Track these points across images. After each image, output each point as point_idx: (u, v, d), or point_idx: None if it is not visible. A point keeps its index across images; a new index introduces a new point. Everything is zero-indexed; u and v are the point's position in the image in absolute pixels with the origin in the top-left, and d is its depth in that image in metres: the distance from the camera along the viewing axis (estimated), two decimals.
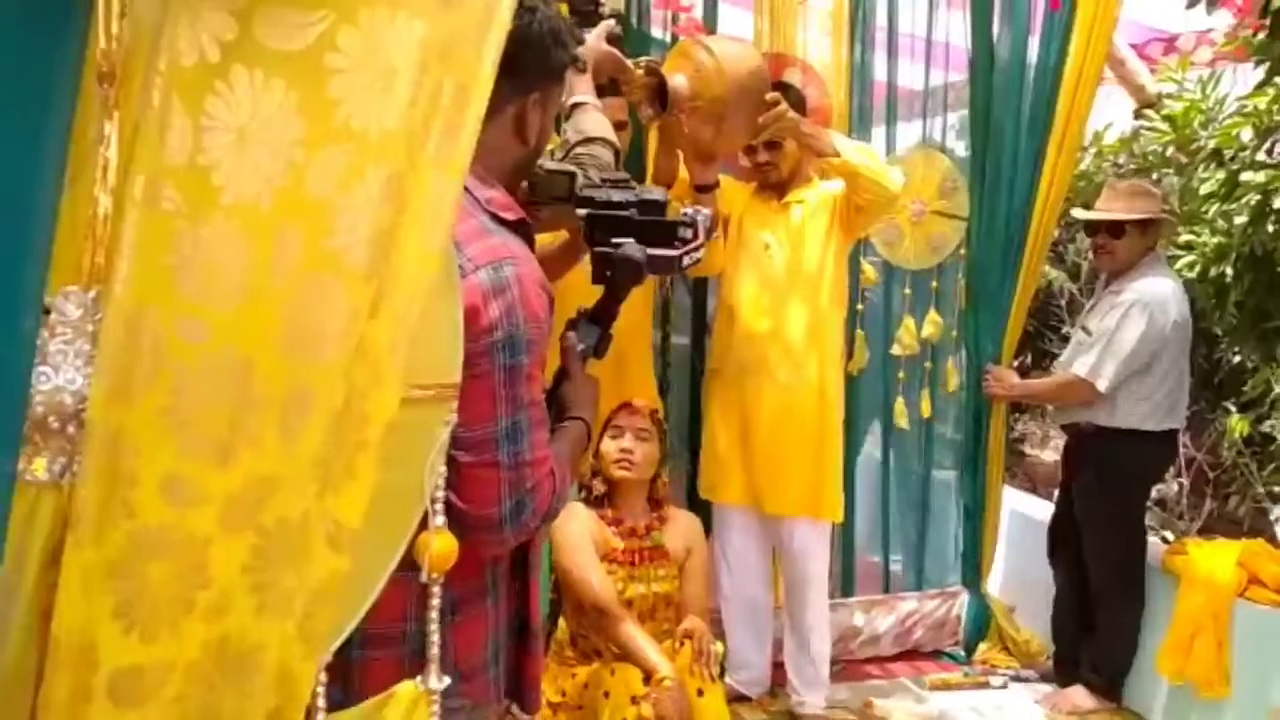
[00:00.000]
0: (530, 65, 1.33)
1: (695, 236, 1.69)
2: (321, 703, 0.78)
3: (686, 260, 1.66)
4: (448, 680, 0.87)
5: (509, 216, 1.30)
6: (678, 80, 2.48)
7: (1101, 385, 3.10)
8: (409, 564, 1.25)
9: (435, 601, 0.86)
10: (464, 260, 1.20)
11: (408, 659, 1.27)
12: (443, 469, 0.82)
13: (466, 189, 1.28)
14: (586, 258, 1.64)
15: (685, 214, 1.73)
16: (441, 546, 0.83)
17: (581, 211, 1.57)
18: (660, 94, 2.48)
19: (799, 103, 2.90)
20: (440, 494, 0.82)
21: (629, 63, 2.49)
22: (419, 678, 0.86)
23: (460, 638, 1.32)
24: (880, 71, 3.47)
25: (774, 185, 3.00)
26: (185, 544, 0.68)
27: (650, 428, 2.63)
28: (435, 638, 0.87)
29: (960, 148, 3.67)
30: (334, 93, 0.69)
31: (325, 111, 0.69)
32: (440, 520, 0.83)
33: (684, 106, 2.48)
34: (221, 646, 0.68)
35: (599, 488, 2.67)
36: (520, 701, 1.47)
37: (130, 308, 0.66)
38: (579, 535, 2.57)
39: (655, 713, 2.33)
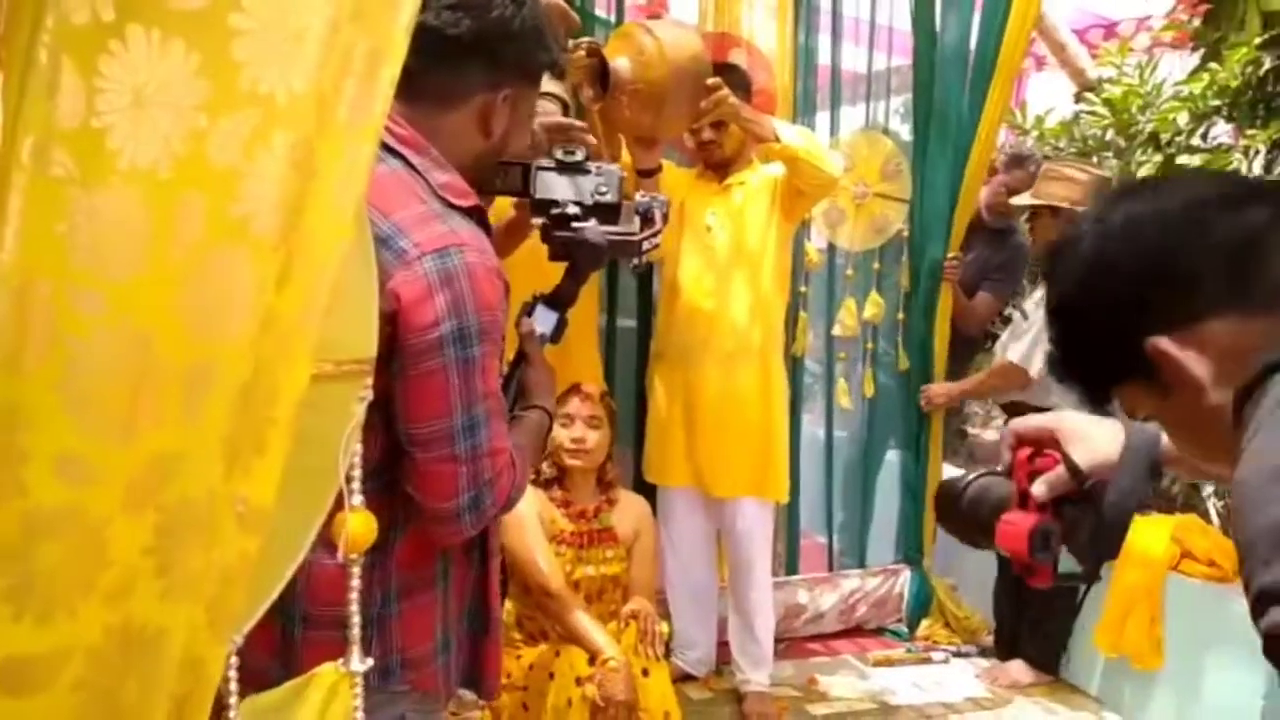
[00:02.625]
0: (508, 59, 1.29)
1: (653, 222, 1.68)
2: (234, 687, 0.76)
3: (646, 245, 1.64)
4: (370, 662, 0.85)
5: (463, 203, 1.26)
6: (619, 63, 2.45)
7: (1033, 371, 3.15)
8: None
9: (355, 583, 0.84)
10: (410, 246, 1.16)
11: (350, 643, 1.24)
12: (358, 447, 0.79)
13: (419, 171, 1.24)
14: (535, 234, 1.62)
15: (640, 203, 1.72)
16: (357, 526, 0.81)
17: (537, 220, 1.54)
18: (601, 76, 2.45)
19: (744, 83, 2.90)
20: (356, 472, 0.80)
21: (571, 42, 2.46)
22: (340, 660, 0.84)
23: (407, 624, 1.29)
24: (824, 55, 3.48)
25: (716, 165, 2.99)
26: (83, 524, 0.65)
27: (601, 414, 2.63)
28: (357, 619, 0.85)
29: (905, 131, 3.70)
30: (238, 55, 0.66)
31: (229, 74, 0.66)
32: (357, 499, 0.81)
33: (625, 89, 2.46)
34: (124, 631, 0.66)
35: (548, 471, 2.66)
36: (478, 689, 1.45)
37: (19, 278, 0.63)
38: (527, 516, 2.55)
39: (601, 693, 2.33)
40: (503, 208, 2.24)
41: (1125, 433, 1.09)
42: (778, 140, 2.74)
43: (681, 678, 3.10)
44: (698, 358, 2.95)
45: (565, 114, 2.14)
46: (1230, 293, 0.85)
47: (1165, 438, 1.05)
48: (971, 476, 1.30)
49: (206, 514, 0.69)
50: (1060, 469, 1.14)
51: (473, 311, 1.18)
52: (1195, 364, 0.85)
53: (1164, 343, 0.85)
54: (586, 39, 2.50)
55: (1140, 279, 0.88)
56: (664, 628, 2.68)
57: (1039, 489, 1.13)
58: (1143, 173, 3.62)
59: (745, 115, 2.72)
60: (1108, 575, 3.16)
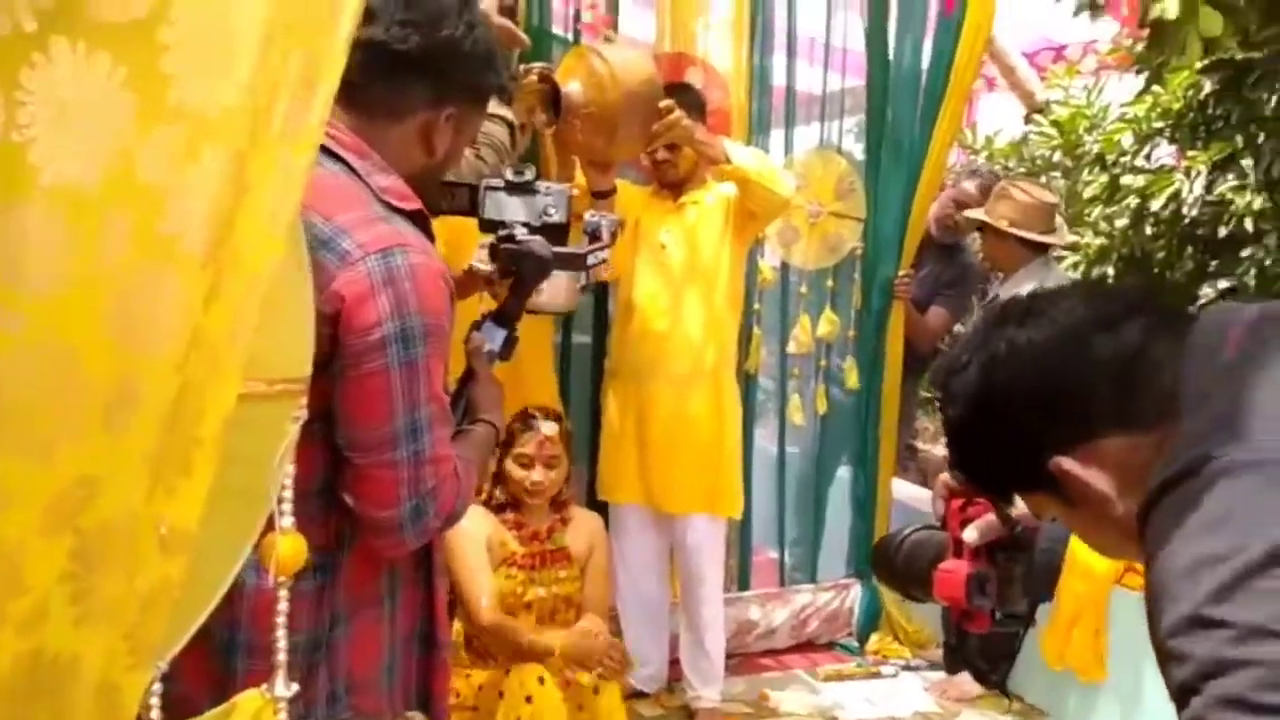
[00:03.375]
0: (455, 79, 1.29)
1: (600, 239, 1.69)
2: (156, 715, 0.74)
3: (592, 259, 1.64)
4: (295, 688, 0.83)
5: (406, 206, 1.25)
6: (571, 87, 2.45)
7: None
8: (298, 571, 1.20)
9: (283, 605, 0.82)
10: (353, 246, 1.14)
11: (298, 668, 1.21)
12: (290, 468, 0.78)
13: (360, 175, 1.22)
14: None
15: (590, 222, 1.72)
16: (288, 548, 0.80)
17: (483, 240, 1.54)
18: (554, 101, 2.45)
19: (698, 103, 2.91)
20: (288, 493, 0.78)
21: (522, 66, 2.46)
22: (264, 685, 0.82)
23: (355, 647, 1.27)
24: (780, 75, 3.51)
25: (671, 184, 3.00)
26: None
27: (560, 452, 2.60)
28: (283, 643, 0.83)
29: (858, 151, 3.74)
30: (167, 68, 0.65)
31: (157, 88, 0.65)
32: (288, 521, 0.79)
33: (578, 114, 2.46)
34: (34, 659, 0.64)
35: (500, 496, 2.63)
36: (427, 711, 1.43)
37: None
38: (472, 541, 2.53)
39: (577, 661, 2.41)
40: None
41: None
42: (729, 162, 2.75)
43: (633, 694, 3.08)
44: (651, 375, 2.95)
45: (512, 137, 2.13)
46: (1119, 412, 0.88)
47: None
48: (907, 531, 1.32)
49: (127, 537, 0.67)
50: (990, 516, 1.17)
51: (416, 312, 1.16)
52: (1098, 479, 0.88)
53: (1066, 462, 0.88)
54: (538, 64, 2.49)
55: (1031, 405, 0.91)
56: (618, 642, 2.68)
57: (970, 535, 1.16)
58: (1089, 192, 3.69)
59: (698, 138, 2.73)
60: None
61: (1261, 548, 0.71)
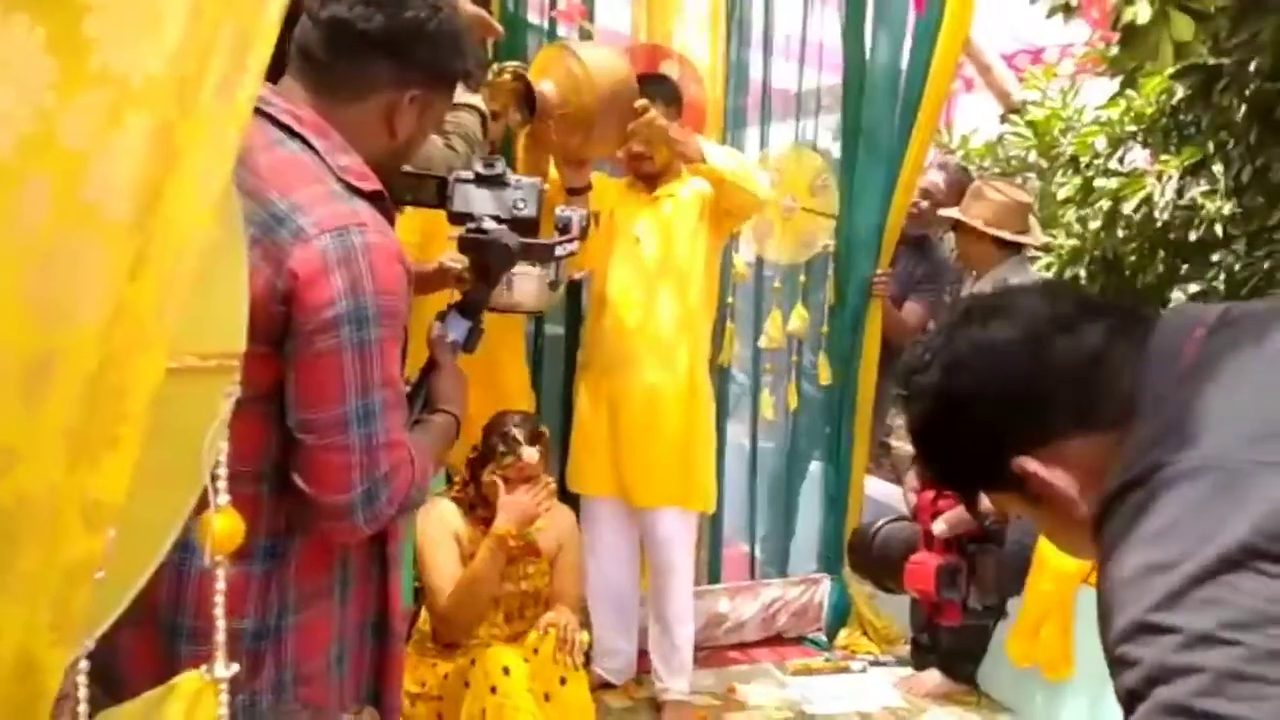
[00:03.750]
0: (418, 61, 1.28)
1: (569, 231, 1.68)
2: (83, 693, 0.72)
3: (560, 251, 1.63)
4: (235, 668, 0.82)
5: (365, 186, 1.24)
6: (545, 87, 2.45)
7: None
8: (247, 556, 1.18)
9: (220, 585, 0.81)
10: (308, 224, 1.13)
11: (244, 655, 1.20)
12: (224, 444, 0.77)
13: (319, 153, 1.21)
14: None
15: (560, 216, 1.71)
16: (224, 526, 0.78)
17: (452, 232, 1.52)
18: (528, 100, 2.44)
19: (674, 95, 2.90)
20: (222, 470, 0.77)
21: (495, 65, 2.45)
22: (204, 667, 0.81)
23: (302, 637, 1.25)
24: (756, 70, 3.51)
25: (646, 177, 2.99)
26: None
27: (540, 470, 2.56)
28: (221, 623, 0.82)
29: (835, 149, 3.74)
30: (89, 31, 0.63)
31: (79, 52, 0.63)
32: (223, 499, 0.78)
33: (552, 114, 2.45)
34: None
35: (472, 495, 2.61)
36: (379, 706, 1.41)
37: None
38: (440, 534, 2.53)
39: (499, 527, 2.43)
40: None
41: None
42: (704, 162, 2.75)
43: (600, 686, 3.08)
44: (623, 368, 2.95)
45: (484, 126, 2.12)
46: (1080, 414, 0.88)
47: None
48: (881, 522, 1.32)
49: (47, 511, 0.66)
50: (960, 509, 1.16)
51: (371, 292, 1.15)
52: (1060, 479, 0.89)
53: (1029, 463, 0.89)
54: (512, 63, 2.48)
55: (993, 406, 0.91)
56: (584, 636, 2.67)
57: (939, 528, 1.15)
58: (1063, 194, 3.71)
59: (673, 136, 2.72)
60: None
61: (1211, 553, 0.71)
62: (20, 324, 0.64)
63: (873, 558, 1.28)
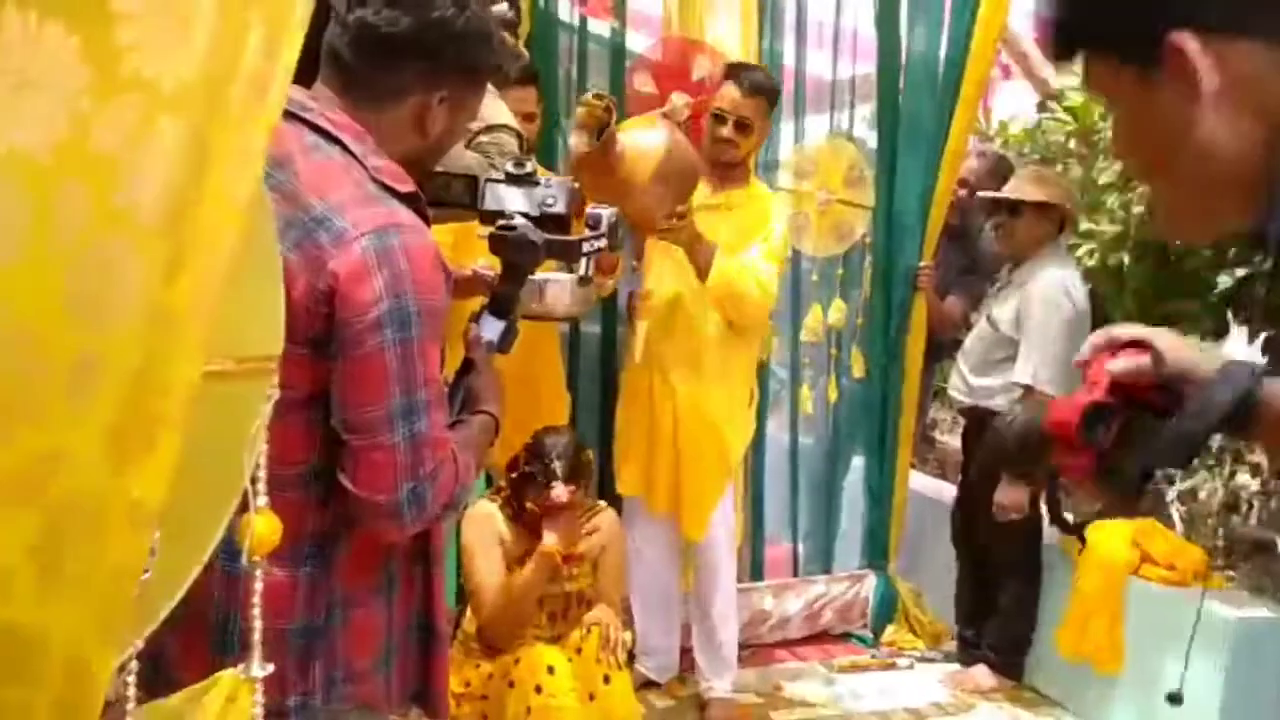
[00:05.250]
0: (447, 60, 1.27)
1: (598, 229, 1.67)
2: (131, 692, 0.74)
3: (587, 248, 1.63)
4: (270, 667, 0.83)
5: (401, 188, 1.24)
6: (624, 140, 2.48)
7: (1050, 389, 3.06)
8: (295, 558, 1.20)
9: (258, 585, 0.82)
10: (348, 226, 1.14)
11: (294, 656, 1.21)
12: (263, 446, 0.77)
13: (354, 156, 1.22)
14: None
15: (591, 214, 1.70)
16: (263, 528, 0.79)
17: (482, 231, 1.52)
18: (599, 131, 2.46)
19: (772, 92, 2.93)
20: (262, 472, 0.78)
21: (591, 92, 2.51)
22: (241, 666, 0.82)
23: (352, 636, 1.26)
24: (790, 59, 3.48)
25: (721, 165, 2.91)
26: None
27: (574, 501, 2.49)
28: (258, 623, 0.83)
29: (871, 139, 3.71)
30: (122, 39, 0.64)
31: (112, 59, 0.64)
32: (262, 500, 0.79)
33: (612, 155, 2.46)
34: (2, 635, 0.63)
35: (514, 505, 2.59)
36: (426, 707, 1.42)
37: None
38: (485, 537, 2.53)
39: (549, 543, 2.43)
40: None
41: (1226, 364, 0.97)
42: (703, 279, 2.74)
43: (644, 684, 3.08)
44: (668, 371, 2.92)
45: (521, 146, 2.14)
46: (1275, 17, 0.77)
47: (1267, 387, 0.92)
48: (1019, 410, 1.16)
49: (93, 511, 0.66)
50: (1143, 356, 1.01)
51: (411, 292, 1.16)
52: (1207, 72, 0.77)
53: (1187, 39, 0.77)
54: (607, 95, 2.51)
55: None
56: (627, 635, 2.66)
57: (1115, 365, 1.01)
58: (1104, 179, 3.64)
59: (696, 245, 2.71)
60: (1068, 579, 3.17)
61: None
62: (64, 326, 0.65)
63: (1013, 437, 1.07)
